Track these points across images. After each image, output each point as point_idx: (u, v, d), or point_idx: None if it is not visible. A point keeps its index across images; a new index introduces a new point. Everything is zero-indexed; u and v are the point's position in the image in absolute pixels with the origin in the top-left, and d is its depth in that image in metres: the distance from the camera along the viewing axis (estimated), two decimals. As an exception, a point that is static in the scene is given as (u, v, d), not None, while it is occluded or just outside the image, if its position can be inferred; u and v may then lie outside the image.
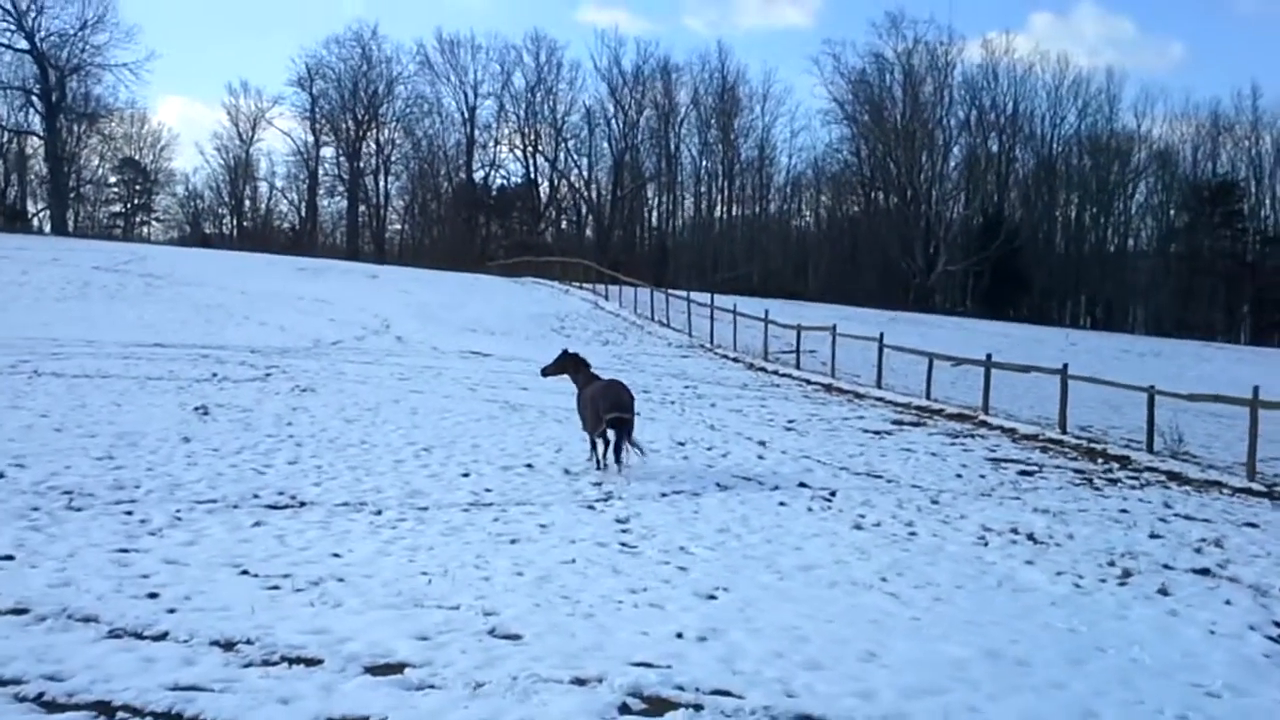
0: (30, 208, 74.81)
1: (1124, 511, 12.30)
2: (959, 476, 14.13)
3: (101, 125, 74.68)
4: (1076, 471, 15.34)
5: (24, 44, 69.38)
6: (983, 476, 14.31)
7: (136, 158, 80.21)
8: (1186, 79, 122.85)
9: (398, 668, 5.77)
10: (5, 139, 72.48)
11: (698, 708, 5.41)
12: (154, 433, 12.95)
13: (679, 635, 6.54)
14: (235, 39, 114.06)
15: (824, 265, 75.88)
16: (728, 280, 62.14)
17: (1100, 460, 16.49)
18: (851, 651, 6.34)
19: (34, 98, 70.82)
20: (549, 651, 6.06)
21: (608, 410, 12.58)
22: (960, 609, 7.64)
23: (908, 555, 9.38)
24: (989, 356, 21.64)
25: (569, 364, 14.08)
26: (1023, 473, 14.86)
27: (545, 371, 14.43)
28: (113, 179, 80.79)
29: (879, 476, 13.71)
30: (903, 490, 12.80)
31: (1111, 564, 9.46)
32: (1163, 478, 15.27)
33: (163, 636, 6.09)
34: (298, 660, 5.81)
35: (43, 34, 69.68)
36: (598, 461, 12.80)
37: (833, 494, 12.22)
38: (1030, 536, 10.49)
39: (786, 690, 5.68)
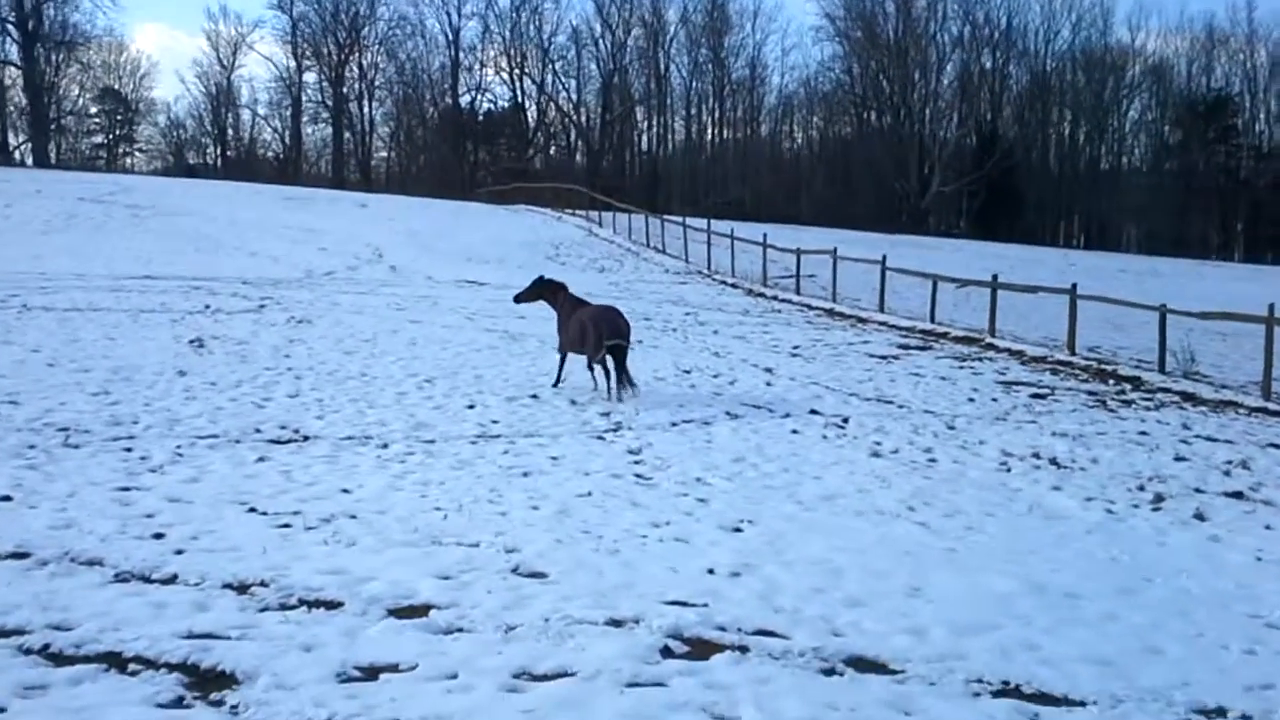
0: (11, 140, 73.44)
1: (1143, 434, 12.11)
2: (971, 401, 13.92)
3: (80, 54, 72.95)
4: (1089, 393, 15.13)
5: (-3, -30, 67.53)
6: (995, 400, 14.10)
7: (116, 87, 78.57)
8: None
9: (422, 610, 5.51)
10: (-18, 70, 70.89)
11: (743, 649, 5.16)
12: (149, 366, 12.62)
13: (710, 571, 6.30)
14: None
15: (818, 188, 75.07)
16: (720, 205, 61.42)
17: (1112, 381, 16.28)
18: (892, 586, 6.12)
19: (10, 26, 69.03)
20: (578, 590, 5.82)
21: (609, 336, 12.39)
22: (994, 538, 7.43)
23: (930, 483, 9.16)
24: (995, 277, 21.35)
25: (545, 290, 13.68)
26: (1035, 395, 14.65)
27: (518, 298, 14.10)
28: (93, 109, 79.23)
29: (890, 402, 13.48)
30: (916, 416, 12.57)
31: (1141, 489, 9.27)
32: (1177, 398, 15.07)
33: (172, 579, 5.82)
34: (317, 603, 5.55)
35: (18, -42, 67.77)
36: (558, 380, 13.06)
37: (845, 420, 11.99)
38: (1053, 461, 10.29)
39: (832, 629, 5.45)
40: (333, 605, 5.53)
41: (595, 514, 7.60)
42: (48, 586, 5.59)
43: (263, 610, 5.42)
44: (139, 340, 14.57)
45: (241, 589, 5.71)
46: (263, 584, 5.76)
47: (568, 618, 5.39)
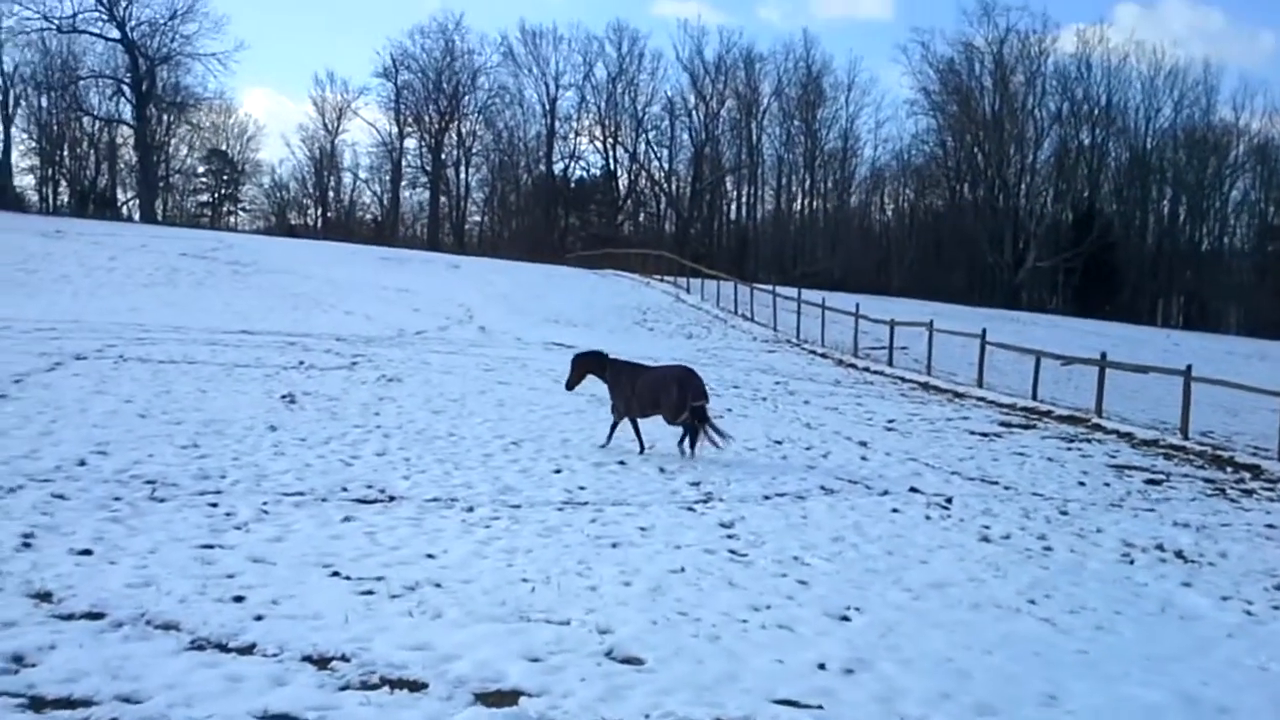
0: (120, 196, 76.21)
1: (1271, 526, 11.31)
2: (1082, 485, 13.20)
3: (190, 115, 75.66)
4: (1206, 481, 14.28)
5: (115, 33, 70.47)
6: (1107, 485, 13.36)
7: (224, 148, 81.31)
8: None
9: (511, 697, 5.11)
10: (96, 128, 73.82)
11: (863, 761, 4.69)
12: (240, 421, 12.55)
13: (821, 666, 5.80)
14: (319, 31, 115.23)
15: (908, 260, 74.16)
16: (808, 274, 60.96)
17: (1230, 469, 15.38)
18: (1026, 693, 5.56)
19: (124, 87, 71.93)
20: (678, 682, 5.36)
21: (695, 398, 12.47)
22: (1128, 640, 6.81)
23: (1048, 574, 8.54)
24: (1103, 355, 20.49)
25: (588, 364, 13.53)
26: (1150, 481, 13.86)
27: (570, 385, 13.85)
28: (200, 169, 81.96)
29: (994, 483, 12.84)
30: (1024, 499, 11.91)
31: (1279, 588, 8.52)
32: (1301, 489, 14.13)
33: (250, 649, 5.51)
34: (400, 683, 5.18)
35: (133, 23, 70.73)
36: (641, 445, 12.90)
37: (949, 501, 11.40)
38: (1179, 554, 9.58)
39: (963, 741, 4.94)
40: (416, 686, 5.16)
41: (690, 593, 7.17)
42: (120, 651, 5.32)
43: (343, 689, 5.07)
44: (231, 394, 14.58)
45: (322, 663, 5.37)
46: (344, 658, 5.42)
47: (669, 715, 4.95)
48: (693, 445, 12.61)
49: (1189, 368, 18.10)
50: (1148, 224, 78.66)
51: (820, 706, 5.19)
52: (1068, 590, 8.02)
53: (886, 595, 7.49)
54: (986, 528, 10.19)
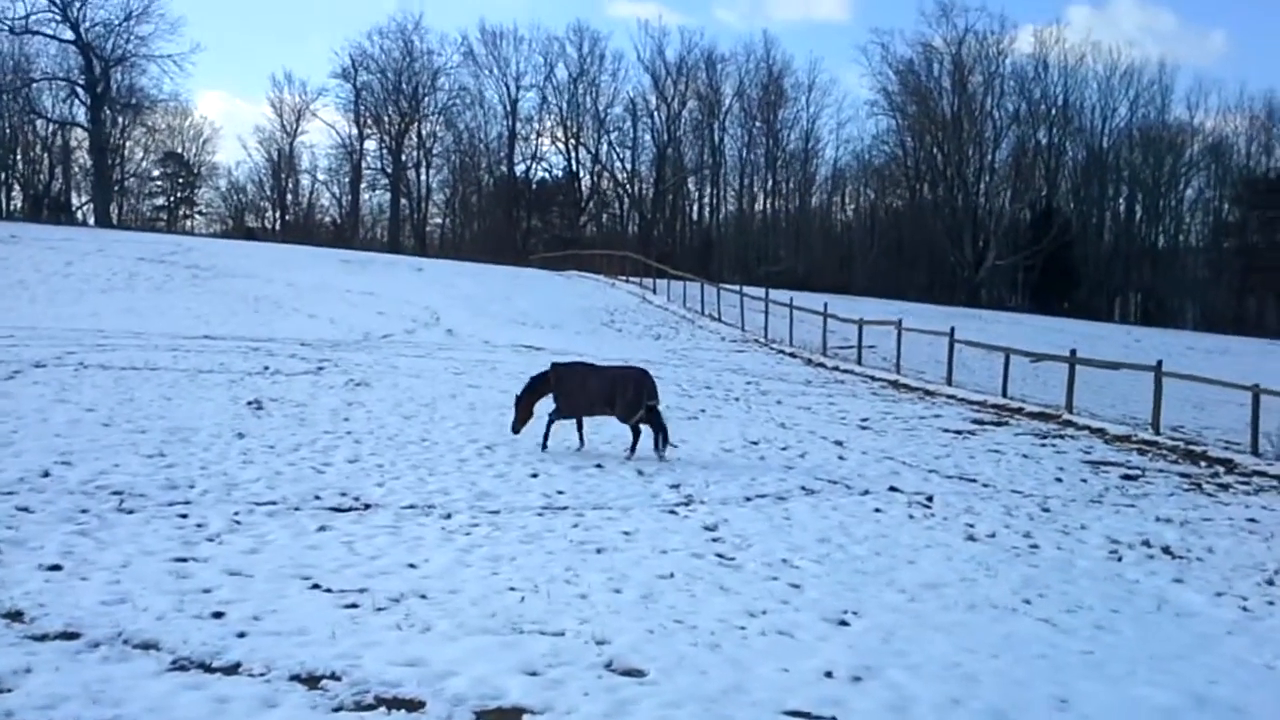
0: (74, 200, 74.94)
1: (1253, 520, 11.34)
2: (1059, 481, 13.20)
3: (145, 117, 74.49)
4: (1182, 475, 14.33)
5: (69, 34, 69.17)
6: (1084, 481, 13.36)
7: (179, 151, 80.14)
8: (1239, 70, 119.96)
9: (514, 714, 4.91)
10: (50, 130, 72.52)
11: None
12: (206, 428, 12.23)
13: (829, 674, 5.66)
14: (275, 33, 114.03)
15: (870, 260, 74.49)
16: (771, 274, 60.94)
17: (1204, 463, 15.44)
18: (1036, 696, 5.44)
19: (79, 89, 70.69)
20: (683, 695, 5.19)
21: (650, 397, 12.69)
22: (1129, 639, 6.73)
23: (1038, 572, 8.47)
24: (1073, 352, 20.56)
25: (536, 391, 13.01)
26: (1126, 477, 13.88)
27: (520, 402, 12.97)
28: (156, 172, 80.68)
29: (973, 480, 12.80)
30: (1004, 496, 11.87)
31: (1270, 582, 8.51)
32: (1274, 483, 14.21)
33: (234, 669, 5.27)
34: (395, 702, 4.96)
35: (87, 24, 69.40)
36: (582, 439, 13.04)
37: (930, 499, 11.34)
38: (1166, 550, 9.56)
39: (982, 749, 4.80)
40: (414, 705, 4.94)
41: (683, 599, 7.01)
42: (99, 674, 5.06)
43: (337, 710, 4.85)
44: (196, 401, 14.24)
45: (311, 682, 5.15)
46: (334, 676, 5.20)
47: (679, 730, 4.78)
48: (661, 446, 12.62)
49: (1159, 364, 18.20)
50: (1105, 222, 79.52)
51: (834, 718, 5.04)
52: (1061, 589, 7.95)
53: (881, 597, 7.37)
54: (971, 526, 10.13)
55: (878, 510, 10.62)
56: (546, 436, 12.80)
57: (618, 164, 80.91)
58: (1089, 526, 10.39)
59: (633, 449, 12.67)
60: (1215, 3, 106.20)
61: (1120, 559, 9.17)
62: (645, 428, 12.73)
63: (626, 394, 12.60)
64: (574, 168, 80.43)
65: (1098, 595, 7.82)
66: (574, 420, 13.09)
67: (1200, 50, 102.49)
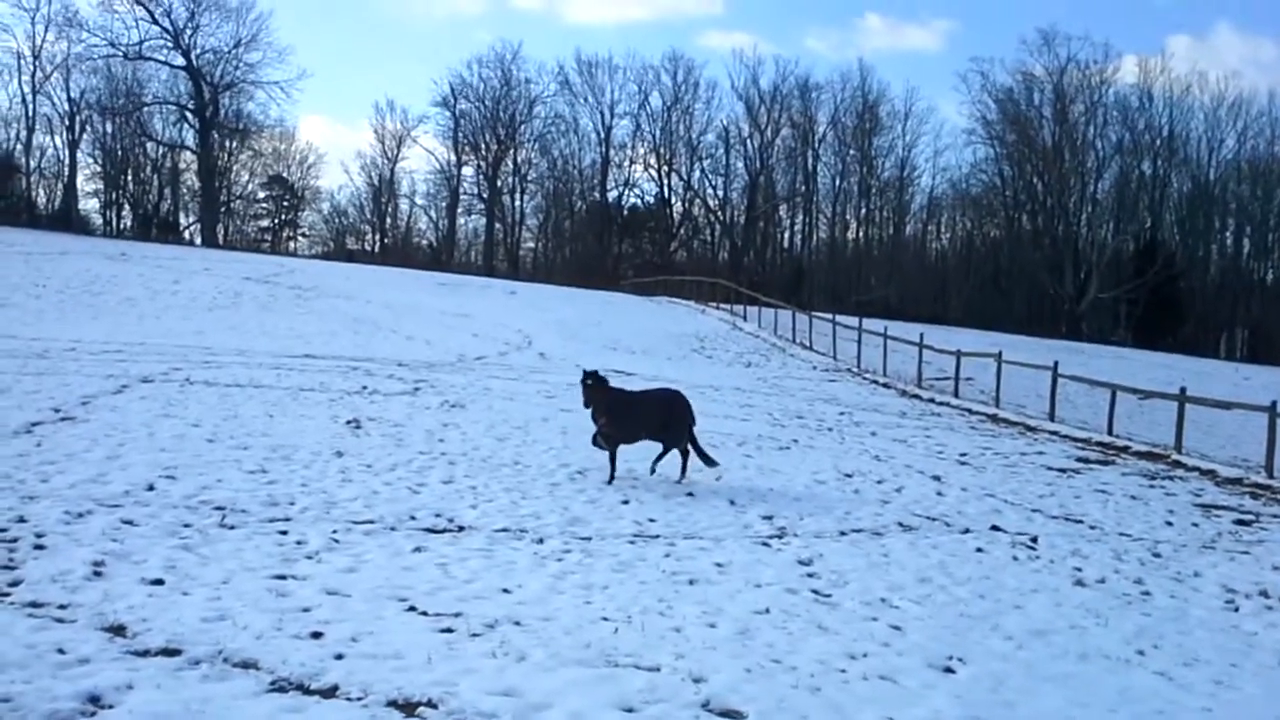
0: (182, 220, 77.48)
1: (1378, 573, 10.71)
2: (1169, 525, 12.67)
3: (252, 141, 76.91)
4: (1299, 522, 13.66)
5: (180, 61, 71.90)
6: (1196, 525, 12.81)
7: (284, 174, 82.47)
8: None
9: (611, 753, 4.83)
10: (160, 153, 75.18)
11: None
12: (307, 446, 12.42)
13: (936, 724, 5.46)
14: (376, 61, 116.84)
15: (966, 290, 73.23)
16: (863, 303, 60.36)
17: (1322, 510, 14.71)
18: (1159, 757, 5.18)
19: (188, 113, 73.28)
20: (785, 739, 5.06)
21: (693, 422, 12.78)
22: (1251, 697, 6.39)
23: (1151, 621, 8.10)
24: (1183, 390, 19.85)
25: (599, 386, 12.54)
26: (1239, 521, 13.29)
27: (589, 402, 12.46)
28: (261, 194, 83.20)
29: (1079, 521, 12.36)
30: (1112, 539, 11.43)
31: (1402, 642, 8.02)
32: (1400, 532, 13.46)
33: (332, 691, 5.27)
34: (492, 734, 4.92)
35: (198, 51, 72.12)
36: (613, 475, 12.24)
37: (1034, 540, 10.96)
38: (1286, 601, 9.08)
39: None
40: (510, 738, 4.89)
41: (780, 637, 6.84)
42: (200, 693, 5.09)
43: (434, 739, 4.82)
44: (297, 418, 14.48)
45: (409, 708, 5.12)
46: (430, 703, 5.16)
47: (783, 777, 4.64)
48: (684, 470, 12.58)
49: (1274, 404, 17.43)
50: (1211, 256, 77.12)
51: (943, 771, 4.86)
52: (1175, 639, 7.59)
53: (988, 643, 7.11)
54: (1079, 570, 9.76)
55: (979, 550, 10.30)
56: (614, 468, 12.28)
57: (709, 190, 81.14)
58: (1202, 574, 9.95)
59: (684, 471, 12.56)
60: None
61: (1237, 609, 8.75)
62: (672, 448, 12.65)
63: (681, 419, 12.58)
64: (666, 194, 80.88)
65: (1215, 648, 7.45)
66: (611, 449, 12.35)
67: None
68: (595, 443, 12.54)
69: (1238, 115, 74.45)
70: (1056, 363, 23.72)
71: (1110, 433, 20.65)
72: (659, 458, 12.66)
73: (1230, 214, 76.22)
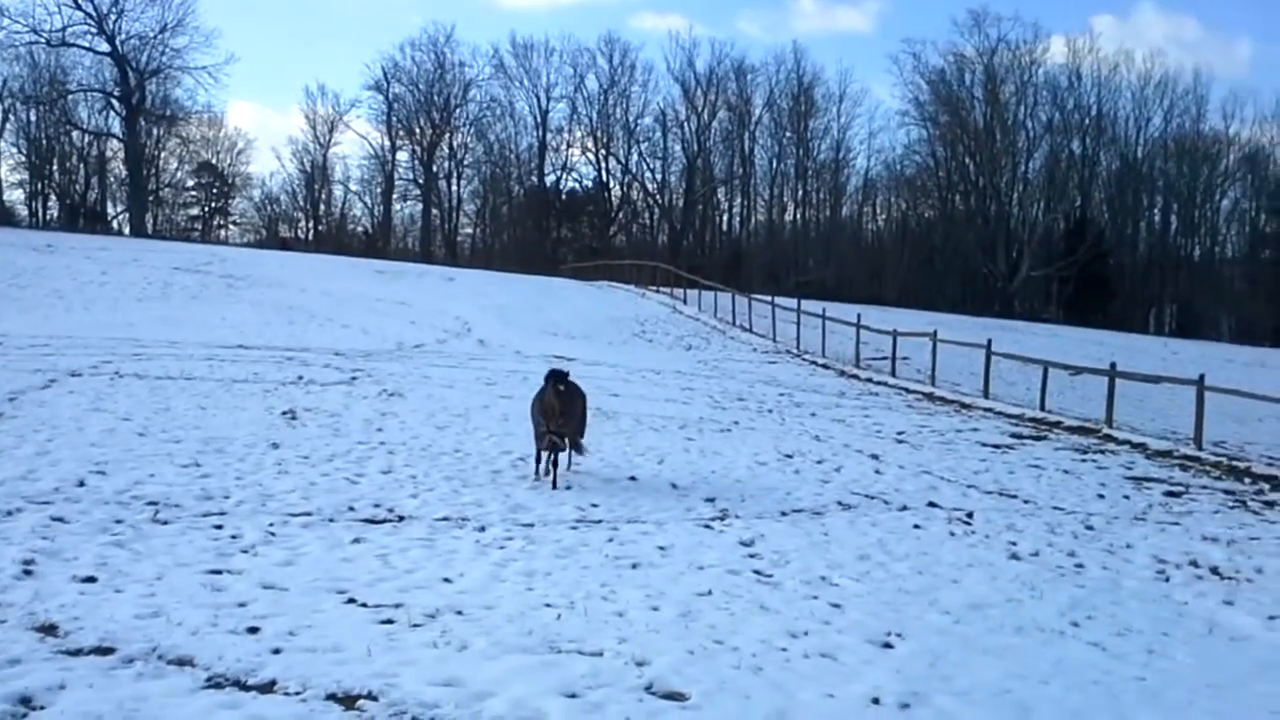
0: (110, 210, 75.82)
1: (1302, 540, 11.04)
2: (1101, 497, 12.95)
3: (179, 128, 75.38)
4: (1226, 492, 14.04)
5: (105, 47, 70.20)
6: (1127, 498, 13.11)
7: (213, 161, 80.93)
8: (1271, 79, 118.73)
9: (554, 739, 4.82)
10: (86, 141, 73.46)
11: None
12: (241, 438, 12.22)
13: (875, 701, 5.50)
14: (306, 45, 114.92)
15: (902, 270, 74.09)
16: (801, 284, 60.82)
17: (1248, 480, 15.13)
18: (1094, 726, 5.28)
19: (114, 100, 71.58)
20: None
21: None
22: (1183, 665, 6.54)
23: (1085, 593, 8.27)
24: (1113, 365, 20.27)
25: (570, 387, 11.38)
26: (1169, 493, 13.61)
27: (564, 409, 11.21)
28: (190, 182, 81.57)
29: (1013, 496, 12.58)
30: (1046, 513, 11.65)
31: (1326, 607, 8.27)
32: (1323, 501, 13.89)
33: (270, 686, 5.19)
34: (434, 725, 4.88)
35: (123, 37, 70.39)
36: (547, 469, 11.26)
37: (970, 516, 11.14)
38: (1215, 570, 9.32)
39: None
40: (453, 728, 4.86)
41: (722, 618, 6.87)
42: (134, 691, 4.99)
43: (374, 731, 4.77)
44: (231, 410, 14.24)
45: (348, 701, 5.05)
46: (371, 696, 5.10)
47: (726, 757, 4.66)
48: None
49: (1201, 377, 17.88)
50: (1140, 233, 78.79)
51: (884, 747, 4.92)
52: (1109, 610, 7.76)
53: (925, 618, 7.21)
54: (1013, 544, 9.93)
55: (917, 527, 10.44)
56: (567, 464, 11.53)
57: (648, 174, 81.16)
58: (1134, 545, 10.17)
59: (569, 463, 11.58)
60: (1239, 11, 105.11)
61: (1168, 579, 8.96)
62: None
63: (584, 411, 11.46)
64: (604, 178, 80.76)
65: (1147, 618, 7.63)
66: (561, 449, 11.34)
67: (1229, 59, 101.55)
68: (551, 447, 11.15)
69: (1164, 94, 76.13)
70: (990, 341, 24.09)
71: (1043, 408, 21.03)
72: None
73: (1158, 191, 77.90)
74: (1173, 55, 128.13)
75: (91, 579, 6.81)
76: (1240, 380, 28.78)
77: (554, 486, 10.73)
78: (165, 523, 8.39)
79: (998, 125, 74.38)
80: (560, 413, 11.05)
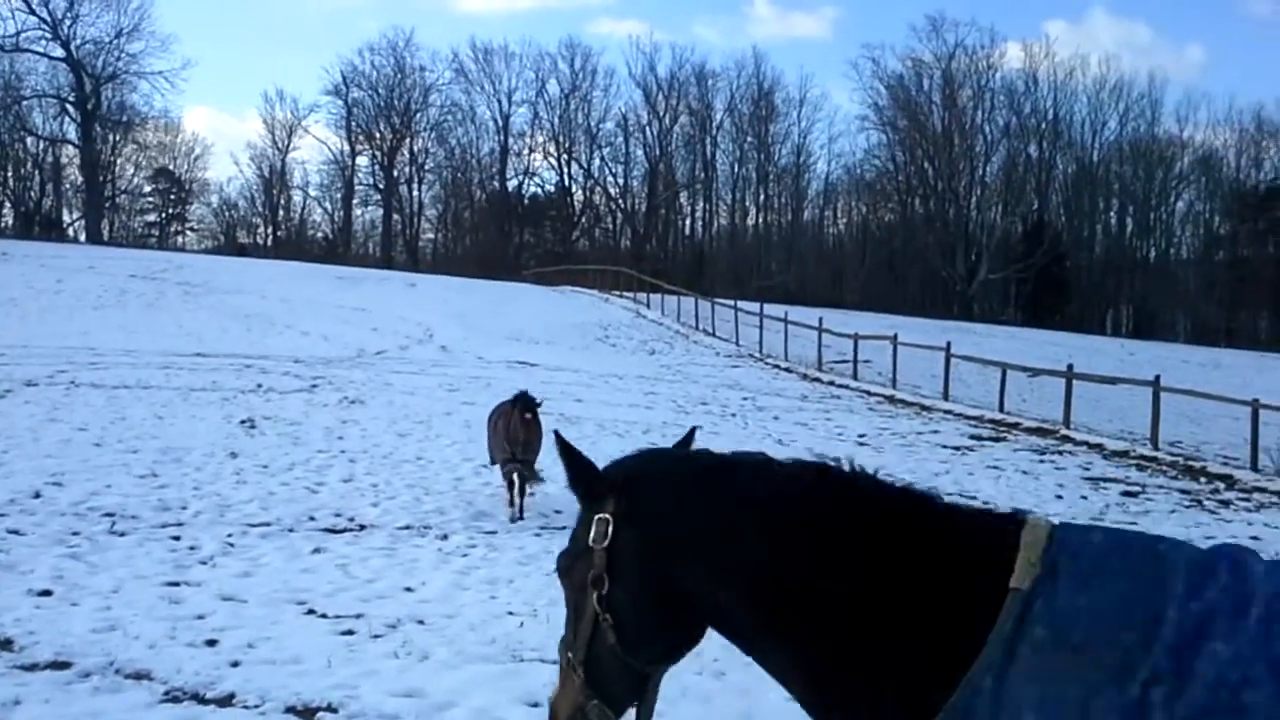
0: (65, 217, 74.71)
1: (1255, 539, 11.20)
2: (1060, 498, 13.11)
3: (136, 134, 74.37)
4: (1182, 492, 14.26)
5: (60, 52, 69.10)
6: (1085, 498, 13.28)
7: (171, 167, 79.95)
8: (1223, 84, 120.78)
9: (516, 748, 4.81)
10: (41, 148, 72.36)
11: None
12: (199, 448, 12.11)
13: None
14: (263, 49, 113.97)
15: (863, 274, 74.61)
16: (764, 288, 61.05)
17: (1203, 479, 15.38)
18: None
19: (69, 106, 70.52)
20: (691, 725, 5.09)
21: None
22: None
23: (1043, 592, 8.35)
24: (1070, 367, 20.53)
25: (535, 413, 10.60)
26: (1126, 493, 13.80)
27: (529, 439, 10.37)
28: (147, 188, 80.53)
29: (973, 498, 12.65)
30: (1006, 513, 11.77)
31: None
32: (1275, 499, 14.16)
33: (229, 700, 5.14)
34: (394, 736, 4.86)
35: (78, 42, 69.30)
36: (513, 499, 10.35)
37: (931, 517, 11.22)
38: (1170, 569, 9.45)
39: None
40: (413, 739, 4.84)
41: (685, 623, 6.88)
42: (90, 706, 4.93)
43: (334, 743, 4.74)
44: (189, 420, 14.11)
45: (307, 714, 5.02)
46: (330, 708, 5.07)
47: (689, 763, 4.67)
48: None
49: (1157, 378, 18.16)
50: (1096, 235, 79.79)
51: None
52: (1067, 610, 7.84)
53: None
54: (973, 545, 10.01)
55: (878, 529, 10.49)
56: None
57: (610, 179, 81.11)
58: (1092, 545, 10.29)
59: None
60: (1188, 16, 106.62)
61: (1125, 578, 9.07)
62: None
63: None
64: (566, 182, 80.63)
65: (1105, 616, 7.72)
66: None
67: (1182, 63, 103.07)
68: (520, 477, 10.26)
69: (1119, 98, 77.07)
70: (949, 343, 24.33)
71: (1002, 410, 21.26)
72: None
73: (1114, 194, 78.82)
74: (1127, 60, 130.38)
75: (47, 592, 6.74)
76: (1196, 381, 29.21)
77: (520, 516, 10.00)
78: (122, 534, 8.31)
79: (956, 130, 75.10)
80: (524, 442, 10.23)
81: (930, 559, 1.90)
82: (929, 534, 1.95)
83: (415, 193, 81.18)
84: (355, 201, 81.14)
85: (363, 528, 9.18)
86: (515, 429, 10.26)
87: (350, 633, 6.30)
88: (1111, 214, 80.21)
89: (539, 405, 10.64)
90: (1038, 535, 1.89)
